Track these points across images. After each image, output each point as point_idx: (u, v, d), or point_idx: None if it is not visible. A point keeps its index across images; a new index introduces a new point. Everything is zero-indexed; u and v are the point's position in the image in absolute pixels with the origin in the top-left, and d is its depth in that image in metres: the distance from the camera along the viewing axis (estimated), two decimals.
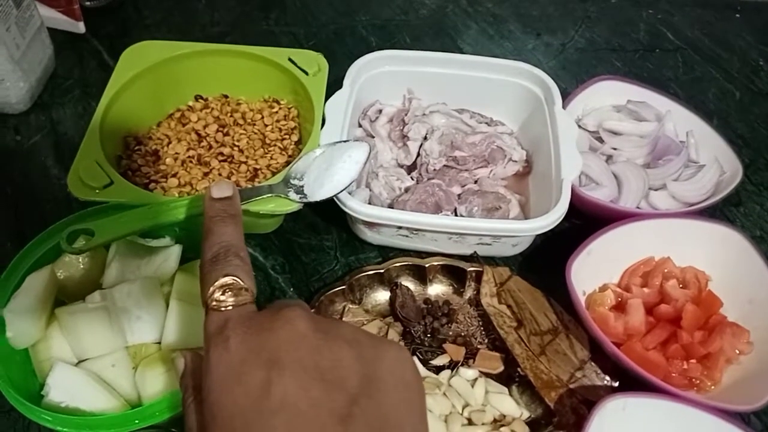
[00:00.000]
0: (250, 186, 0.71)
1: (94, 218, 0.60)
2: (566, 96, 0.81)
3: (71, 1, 0.93)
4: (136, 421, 0.52)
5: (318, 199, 0.65)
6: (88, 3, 0.98)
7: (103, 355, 0.57)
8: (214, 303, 0.41)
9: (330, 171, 0.66)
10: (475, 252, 0.72)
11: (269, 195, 0.65)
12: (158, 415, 0.52)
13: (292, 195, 0.65)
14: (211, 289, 0.41)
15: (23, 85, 0.85)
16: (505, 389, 0.64)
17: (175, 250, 0.63)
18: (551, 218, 0.65)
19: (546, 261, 0.70)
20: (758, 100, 0.97)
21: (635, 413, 0.58)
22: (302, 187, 0.66)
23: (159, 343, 0.58)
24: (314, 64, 0.78)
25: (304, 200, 0.65)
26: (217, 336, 0.39)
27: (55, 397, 0.54)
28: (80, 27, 0.96)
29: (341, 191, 0.66)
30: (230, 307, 0.40)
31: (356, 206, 0.66)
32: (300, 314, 0.39)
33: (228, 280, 0.41)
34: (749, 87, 0.98)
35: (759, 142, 0.91)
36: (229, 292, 0.41)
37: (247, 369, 0.36)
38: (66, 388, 0.54)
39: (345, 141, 0.69)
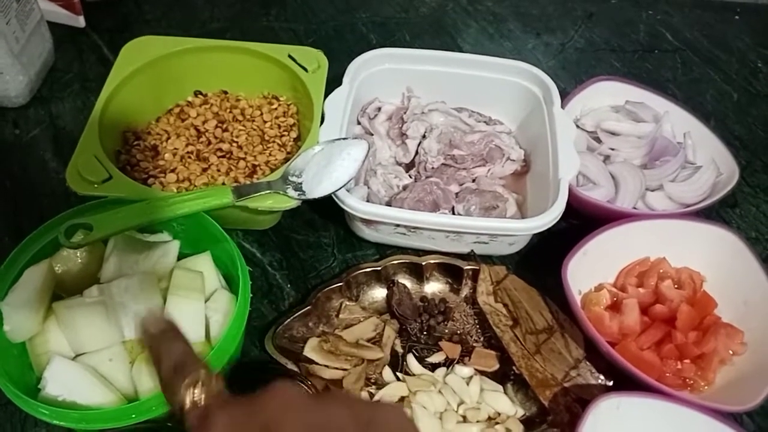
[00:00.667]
0: (248, 182, 0.71)
1: (93, 213, 0.61)
2: (565, 96, 0.81)
3: None
4: (133, 416, 0.52)
5: (316, 196, 0.66)
6: None
7: (100, 349, 0.57)
8: (189, 403, 0.39)
9: (328, 168, 0.66)
10: (472, 250, 0.72)
11: (267, 191, 0.66)
12: (154, 409, 0.52)
13: (291, 192, 0.66)
14: (181, 393, 0.39)
15: (22, 79, 0.85)
16: (500, 387, 0.64)
17: (173, 246, 0.63)
18: (548, 218, 0.66)
19: (543, 260, 0.70)
20: (756, 101, 0.97)
21: (629, 412, 0.58)
22: (301, 184, 0.66)
23: None
24: (314, 61, 0.78)
25: (303, 197, 0.66)
26: (203, 424, 0.37)
27: (52, 390, 0.54)
28: (80, 21, 0.96)
29: (339, 188, 0.66)
30: (207, 398, 0.39)
31: (354, 203, 0.66)
32: (288, 384, 0.38)
33: (194, 377, 0.39)
34: (747, 89, 0.99)
35: (756, 144, 0.91)
36: (201, 387, 0.39)
37: None
38: (63, 381, 0.54)
39: (344, 138, 0.69)
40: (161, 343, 0.42)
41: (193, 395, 0.39)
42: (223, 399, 0.39)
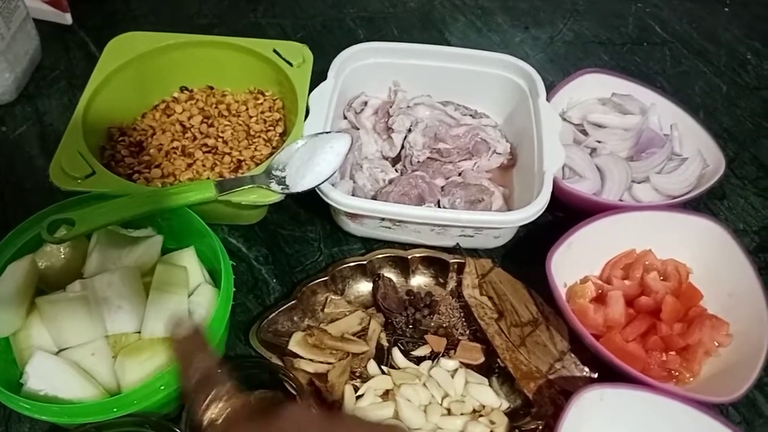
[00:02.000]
0: (233, 177, 0.71)
1: (75, 208, 0.61)
2: (551, 89, 0.81)
3: None
4: (114, 410, 0.52)
5: (299, 190, 0.66)
6: None
7: (83, 344, 0.57)
8: (207, 421, 0.42)
9: (312, 162, 0.66)
10: (457, 244, 0.72)
11: (251, 186, 0.66)
12: (136, 403, 0.53)
13: (274, 186, 0.66)
14: (204, 406, 0.43)
15: (9, 76, 0.84)
16: (485, 380, 0.64)
17: (157, 241, 0.63)
18: (531, 210, 0.66)
19: (529, 253, 0.70)
20: (745, 93, 0.97)
21: (613, 404, 0.58)
22: (284, 178, 0.66)
23: (139, 332, 0.58)
24: (299, 55, 0.78)
25: (286, 191, 0.66)
26: None
27: (34, 385, 0.54)
28: (67, 18, 0.96)
29: (323, 182, 0.66)
30: (228, 410, 0.42)
31: (338, 197, 0.66)
32: (302, 405, 0.42)
33: (215, 394, 0.43)
34: (736, 81, 0.99)
35: (744, 136, 0.91)
36: (223, 401, 0.43)
37: None
38: (44, 376, 0.54)
39: (327, 132, 0.69)
40: (187, 353, 0.45)
41: (212, 413, 0.42)
42: (245, 412, 0.42)
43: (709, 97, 0.96)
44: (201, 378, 0.45)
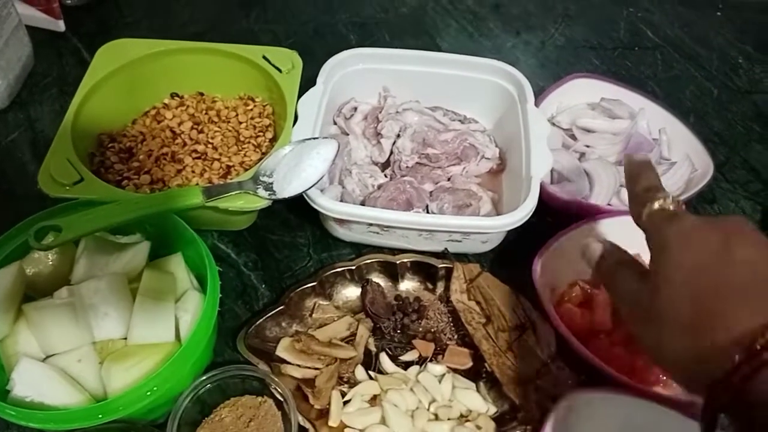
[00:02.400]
0: (220, 183, 0.71)
1: (63, 215, 0.61)
2: (540, 93, 0.81)
3: (51, 0, 0.93)
4: (100, 416, 0.52)
5: (286, 196, 0.66)
6: (68, 1, 0.99)
7: (69, 350, 0.57)
8: (657, 206, 0.46)
9: (298, 168, 0.66)
10: (445, 249, 0.72)
11: (238, 192, 0.66)
12: (122, 409, 0.53)
13: (261, 192, 0.66)
14: (651, 201, 0.46)
15: (1, 83, 0.85)
16: (473, 385, 0.64)
17: (144, 247, 0.63)
18: (518, 215, 0.66)
19: (517, 258, 0.70)
20: (736, 97, 0.97)
21: (599, 409, 0.58)
22: (271, 183, 0.66)
23: (125, 339, 0.58)
24: (288, 61, 0.78)
25: (273, 197, 0.66)
26: (669, 218, 0.44)
27: (20, 392, 0.54)
28: (60, 25, 0.96)
29: (309, 188, 0.66)
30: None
31: (325, 203, 0.66)
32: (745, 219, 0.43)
33: (664, 194, 0.46)
34: (727, 85, 0.99)
35: (735, 140, 0.91)
36: (668, 202, 0.46)
37: (704, 234, 0.42)
38: (31, 383, 0.55)
39: (314, 138, 0.70)
40: (640, 169, 0.50)
41: (662, 203, 0.46)
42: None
43: (700, 101, 0.96)
44: (651, 186, 0.48)
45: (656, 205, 0.46)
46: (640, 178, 0.49)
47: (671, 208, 0.45)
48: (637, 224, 0.48)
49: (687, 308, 0.40)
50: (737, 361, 0.36)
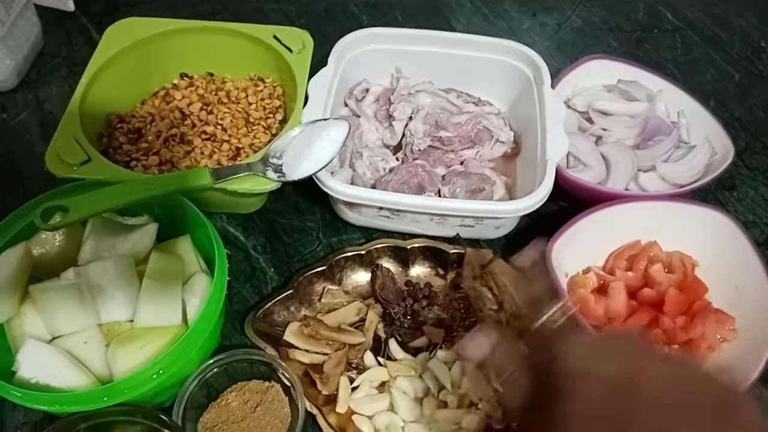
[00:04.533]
0: (229, 165, 0.70)
1: (70, 195, 0.60)
2: (556, 75, 0.79)
3: None
4: (105, 398, 0.52)
5: (296, 178, 0.65)
6: None
7: (75, 332, 0.57)
8: (546, 319, 0.44)
9: (308, 150, 0.65)
10: (457, 234, 0.71)
11: (247, 173, 0.65)
12: (127, 392, 0.52)
13: (270, 174, 0.65)
14: (541, 312, 0.45)
15: (9, 63, 0.84)
16: None
17: (151, 228, 0.63)
18: (532, 200, 0.64)
19: None
20: (758, 82, 0.94)
21: None
22: (281, 165, 0.65)
23: (132, 321, 0.58)
24: (299, 41, 0.76)
25: (282, 179, 0.65)
26: (561, 336, 0.42)
27: (26, 373, 0.54)
28: (69, 4, 0.95)
29: (319, 170, 0.65)
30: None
31: (334, 185, 0.65)
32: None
33: (555, 303, 0.45)
34: (749, 69, 0.96)
35: (756, 126, 0.89)
36: (560, 313, 0.45)
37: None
38: (36, 364, 0.54)
39: (324, 119, 0.68)
40: (532, 273, 0.49)
41: (553, 314, 0.44)
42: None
43: (720, 85, 0.94)
44: (543, 292, 0.47)
45: (548, 315, 0.44)
46: (532, 282, 0.48)
47: (559, 320, 0.43)
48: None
49: None
50: None
